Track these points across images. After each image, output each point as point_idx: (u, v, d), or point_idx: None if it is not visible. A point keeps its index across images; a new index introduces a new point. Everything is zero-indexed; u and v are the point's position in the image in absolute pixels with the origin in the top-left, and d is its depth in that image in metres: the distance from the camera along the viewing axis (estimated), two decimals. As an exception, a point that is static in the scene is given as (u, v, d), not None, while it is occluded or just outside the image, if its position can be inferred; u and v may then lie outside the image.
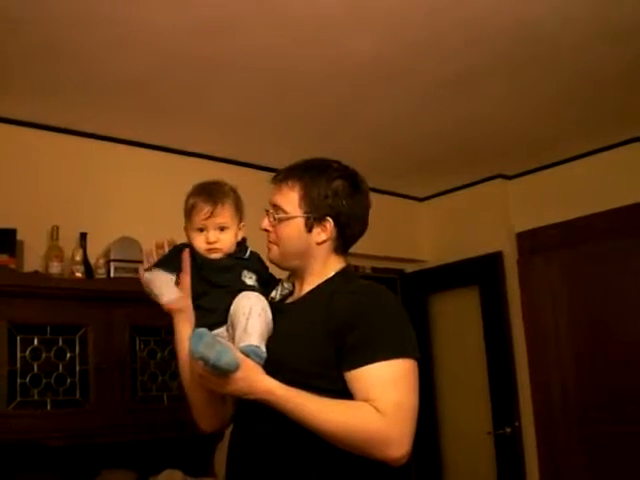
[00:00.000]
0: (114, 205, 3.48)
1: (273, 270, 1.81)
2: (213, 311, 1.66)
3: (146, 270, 1.75)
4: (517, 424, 4.27)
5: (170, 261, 1.73)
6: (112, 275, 3.12)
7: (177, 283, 1.72)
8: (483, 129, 3.80)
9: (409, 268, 5.00)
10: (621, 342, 3.95)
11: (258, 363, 1.53)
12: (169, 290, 1.70)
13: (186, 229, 1.75)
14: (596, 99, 3.49)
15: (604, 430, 3.98)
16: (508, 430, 4.28)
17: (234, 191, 1.77)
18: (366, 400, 1.50)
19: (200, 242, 1.71)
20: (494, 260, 4.47)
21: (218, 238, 1.71)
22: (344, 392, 1.53)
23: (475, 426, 4.50)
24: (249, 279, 1.71)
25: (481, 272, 4.54)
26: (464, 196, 4.75)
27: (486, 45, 2.87)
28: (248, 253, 1.76)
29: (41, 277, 2.91)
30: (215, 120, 3.50)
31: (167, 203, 3.60)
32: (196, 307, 1.70)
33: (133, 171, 3.62)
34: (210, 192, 1.73)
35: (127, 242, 3.20)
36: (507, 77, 3.17)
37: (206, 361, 1.46)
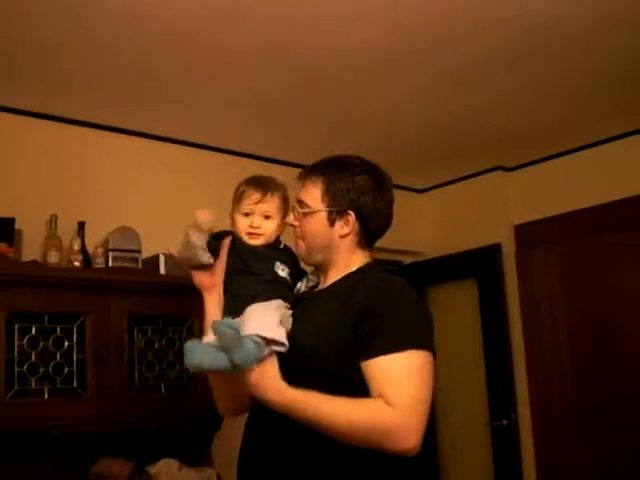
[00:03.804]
0: (112, 195, 3.47)
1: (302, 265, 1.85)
2: (241, 297, 1.70)
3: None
4: (514, 416, 4.28)
5: (210, 244, 1.81)
6: (110, 264, 3.12)
7: (211, 266, 1.80)
8: (483, 120, 3.79)
9: (407, 260, 4.99)
10: (619, 334, 3.96)
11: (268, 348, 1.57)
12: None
13: (232, 215, 1.81)
14: (596, 91, 3.48)
15: (601, 422, 3.99)
16: (505, 422, 4.29)
17: (284, 188, 1.84)
18: (378, 390, 1.52)
19: (243, 225, 1.78)
20: (492, 252, 4.47)
21: (261, 224, 1.77)
22: (361, 381, 1.56)
23: (472, 418, 4.51)
24: (282, 271, 1.76)
25: (479, 264, 4.54)
26: (463, 188, 4.75)
27: (486, 36, 2.86)
28: (282, 245, 1.82)
29: (39, 266, 2.91)
30: (216, 111, 3.48)
31: (166, 193, 3.64)
32: (226, 291, 1.76)
33: (132, 161, 3.61)
34: (262, 181, 1.81)
35: (125, 232, 3.20)
36: (507, 68, 3.16)
37: (202, 370, 1.59)
